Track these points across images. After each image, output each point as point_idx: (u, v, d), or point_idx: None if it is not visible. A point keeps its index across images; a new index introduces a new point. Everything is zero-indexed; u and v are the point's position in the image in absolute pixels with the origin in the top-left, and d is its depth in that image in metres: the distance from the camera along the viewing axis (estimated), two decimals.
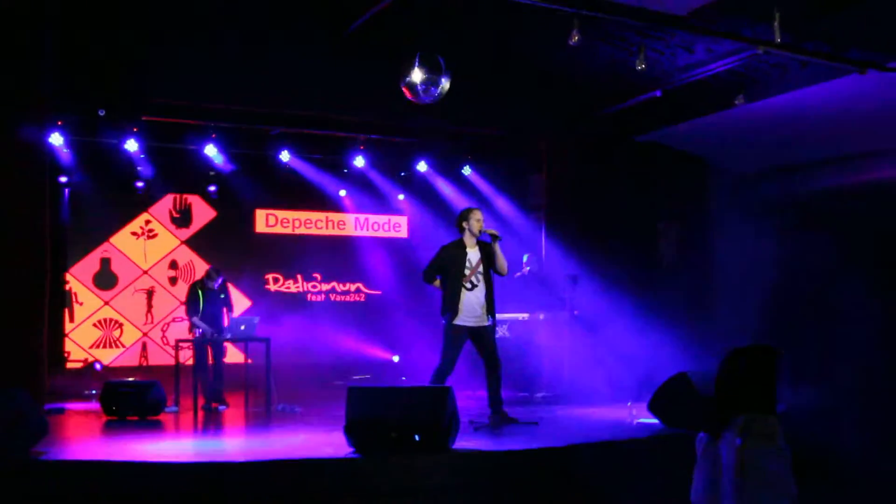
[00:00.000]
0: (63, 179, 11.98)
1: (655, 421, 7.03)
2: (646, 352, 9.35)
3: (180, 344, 10.26)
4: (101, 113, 8.88)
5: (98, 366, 12.22)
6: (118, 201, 12.62)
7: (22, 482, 5.89)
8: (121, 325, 12.73)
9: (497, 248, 7.96)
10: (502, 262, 7.99)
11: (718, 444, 3.65)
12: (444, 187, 13.40)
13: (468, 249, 8.04)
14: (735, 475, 3.45)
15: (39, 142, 9.04)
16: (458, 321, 7.87)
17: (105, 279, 12.70)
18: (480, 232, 8.03)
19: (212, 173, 12.54)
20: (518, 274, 11.05)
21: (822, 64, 8.66)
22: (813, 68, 8.98)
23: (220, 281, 10.33)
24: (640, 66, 8.61)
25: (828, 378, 10.05)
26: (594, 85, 10.74)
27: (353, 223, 14.26)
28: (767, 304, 12.19)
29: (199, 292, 10.21)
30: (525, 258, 11.23)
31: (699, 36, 8.75)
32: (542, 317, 10.84)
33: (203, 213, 13.33)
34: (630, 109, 10.92)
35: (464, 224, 8.12)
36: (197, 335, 10.03)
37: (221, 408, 10.08)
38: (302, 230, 13.93)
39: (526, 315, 10.88)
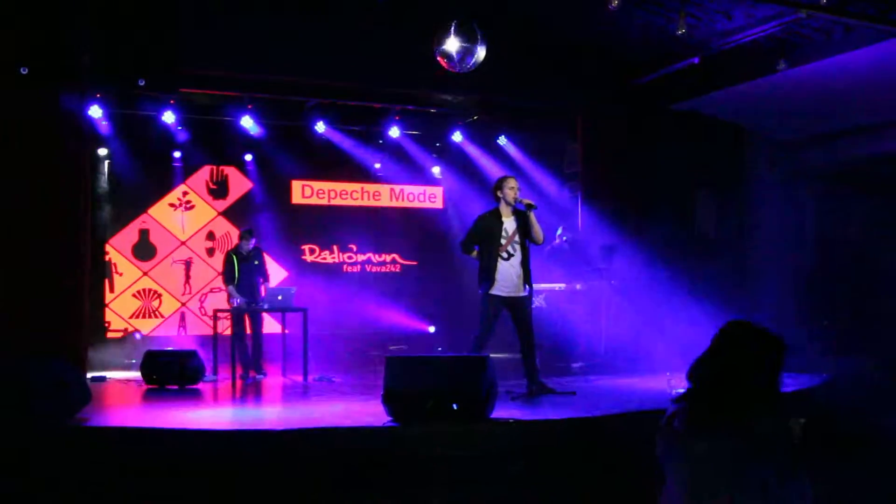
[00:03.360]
0: (102, 151, 12.07)
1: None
2: (683, 322, 9.27)
3: (218, 314, 10.35)
4: (142, 83, 8.92)
5: (138, 335, 12.38)
6: (156, 173, 12.70)
7: (65, 448, 5.98)
8: (160, 296, 12.86)
9: (532, 216, 7.90)
10: (538, 230, 7.93)
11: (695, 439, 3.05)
12: (480, 157, 13.34)
13: (504, 219, 7.99)
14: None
15: (79, 113, 9.13)
16: (494, 291, 7.85)
17: (144, 250, 12.82)
18: (515, 201, 7.98)
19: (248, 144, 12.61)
20: (551, 245, 11.00)
21: (867, 27, 8.47)
22: (857, 32, 8.78)
23: (253, 243, 10.42)
24: (681, 31, 8.45)
25: (869, 348, 9.94)
26: (630, 53, 10.61)
27: (388, 194, 14.26)
28: (806, 272, 12.06)
29: (234, 259, 10.32)
30: (559, 231, 11.17)
31: (739, 1, 8.59)
32: (579, 287, 10.80)
33: (240, 184, 13.39)
34: (667, 77, 10.77)
35: (499, 193, 8.07)
36: (234, 305, 10.12)
37: (259, 377, 10.19)
38: (338, 201, 13.95)
39: (563, 285, 10.84)
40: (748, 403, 2.99)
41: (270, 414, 7.76)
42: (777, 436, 2.97)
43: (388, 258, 14.30)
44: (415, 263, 14.33)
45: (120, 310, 12.58)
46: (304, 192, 13.73)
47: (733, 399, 3.01)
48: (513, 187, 8.04)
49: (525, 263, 7.97)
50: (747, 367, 3.02)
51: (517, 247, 7.94)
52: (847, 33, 8.93)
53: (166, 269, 12.93)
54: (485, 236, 7.99)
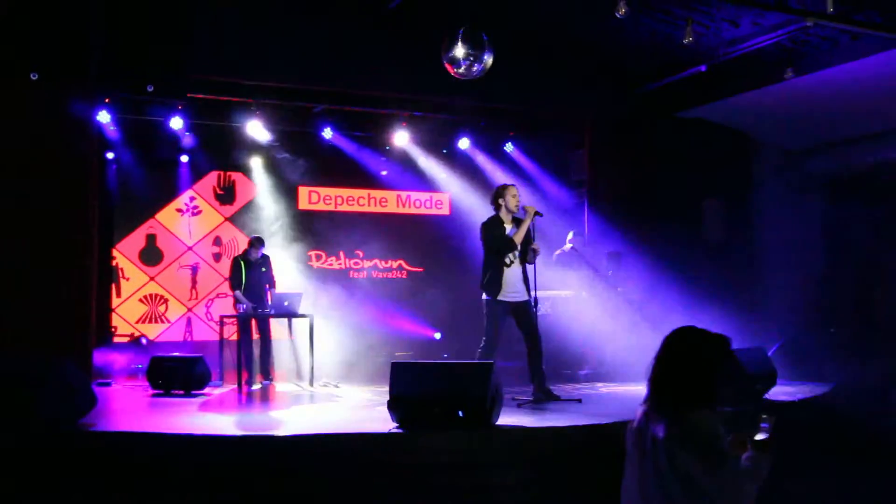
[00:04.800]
0: (110, 156, 12.11)
1: None
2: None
3: (224, 319, 10.35)
4: (150, 88, 8.96)
5: (144, 340, 12.39)
6: (163, 178, 12.73)
7: (71, 452, 5.99)
8: (166, 301, 12.88)
9: (526, 224, 7.93)
10: (519, 236, 7.94)
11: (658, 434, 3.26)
12: (487, 164, 13.34)
13: (506, 226, 8.03)
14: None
15: (88, 118, 9.17)
16: (498, 297, 7.88)
17: (151, 255, 12.84)
18: (517, 208, 8.01)
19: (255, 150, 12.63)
20: (559, 251, 11.00)
21: (874, 35, 8.46)
22: (864, 40, 8.78)
23: (262, 251, 10.44)
24: (688, 39, 8.47)
25: (877, 356, 9.91)
26: (637, 60, 10.61)
27: (395, 200, 14.27)
28: (814, 280, 12.03)
29: (242, 265, 10.35)
30: (570, 236, 11.17)
31: (746, 9, 8.60)
32: (585, 294, 10.78)
33: (246, 189, 13.41)
34: (674, 85, 10.78)
35: (500, 201, 8.11)
36: (241, 310, 10.13)
37: (266, 382, 10.19)
38: (344, 207, 13.97)
39: (569, 292, 10.83)
40: (685, 398, 3.25)
41: (276, 419, 7.75)
42: (705, 428, 3.16)
43: (395, 264, 14.30)
44: (421, 270, 14.33)
45: (126, 315, 12.60)
46: (310, 197, 13.75)
47: (672, 395, 3.29)
48: (515, 195, 8.08)
49: (526, 269, 8.00)
50: (681, 366, 3.35)
51: (517, 255, 7.98)
52: (853, 41, 8.93)
53: (173, 274, 12.95)
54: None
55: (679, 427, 3.16)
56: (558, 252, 11.02)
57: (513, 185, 8.29)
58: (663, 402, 3.29)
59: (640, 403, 3.45)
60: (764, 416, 3.29)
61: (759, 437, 3.25)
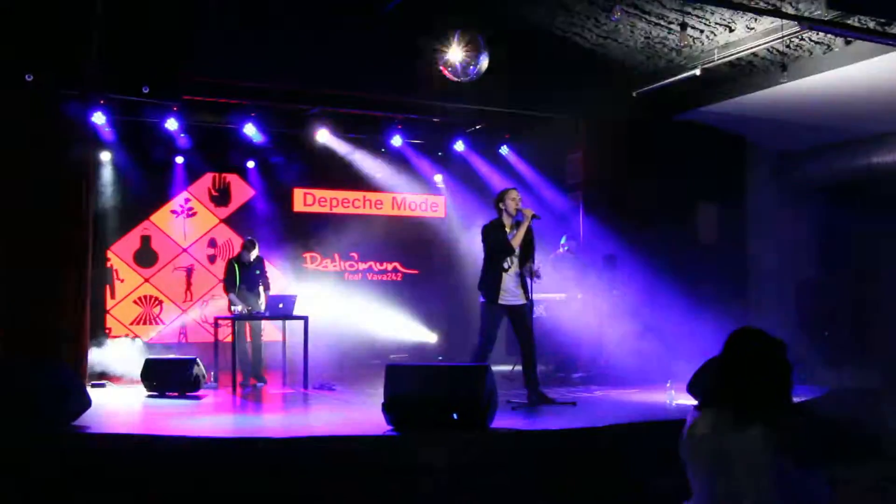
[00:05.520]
0: (105, 157, 12.09)
1: (694, 403, 6.98)
2: (684, 332, 9.29)
3: (219, 321, 10.35)
4: (145, 90, 8.97)
5: (139, 342, 12.36)
6: (158, 180, 12.69)
7: (64, 455, 5.99)
8: (161, 303, 12.87)
9: (523, 227, 7.93)
10: (517, 240, 7.95)
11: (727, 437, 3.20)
12: (482, 167, 13.36)
13: (507, 229, 8.04)
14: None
15: (83, 120, 9.17)
16: (495, 301, 7.89)
17: (145, 257, 12.83)
18: (516, 211, 8.02)
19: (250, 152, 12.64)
20: (554, 254, 11.01)
21: (868, 40, 8.50)
22: (858, 45, 8.82)
23: (255, 253, 10.44)
24: (683, 43, 8.50)
25: (870, 359, 9.94)
26: (632, 64, 10.63)
27: (390, 202, 14.27)
28: (807, 283, 12.07)
29: (236, 267, 10.35)
30: (563, 240, 11.18)
31: (740, 13, 8.62)
32: (579, 297, 10.80)
33: (242, 191, 13.41)
34: (668, 89, 10.79)
35: (501, 205, 8.11)
36: (235, 313, 10.14)
37: (260, 384, 10.19)
38: (339, 209, 13.96)
39: (564, 295, 10.85)
40: (769, 402, 3.18)
41: (271, 422, 7.76)
42: (797, 430, 3.13)
43: (390, 267, 14.30)
44: (416, 272, 14.33)
45: (121, 316, 12.59)
46: (305, 199, 13.75)
47: (755, 399, 3.18)
48: (514, 198, 8.08)
49: (524, 273, 8.01)
50: (765, 369, 3.23)
51: (515, 258, 7.99)
52: (847, 46, 8.97)
53: (167, 275, 12.94)
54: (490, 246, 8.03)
55: (773, 431, 3.11)
56: (553, 255, 11.04)
57: (514, 188, 8.30)
58: (746, 407, 3.19)
59: (697, 409, 3.40)
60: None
61: None
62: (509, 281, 7.94)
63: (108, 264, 12.48)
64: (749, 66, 9.92)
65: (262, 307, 10.36)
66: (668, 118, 11.60)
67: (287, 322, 10.54)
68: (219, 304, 12.28)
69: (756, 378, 3.23)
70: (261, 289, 10.61)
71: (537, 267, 8.08)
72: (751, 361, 3.26)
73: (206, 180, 13.23)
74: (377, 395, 6.79)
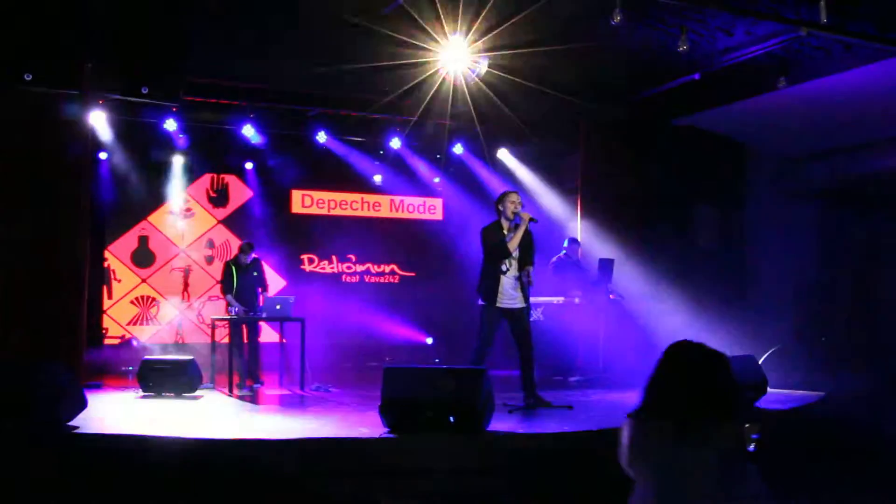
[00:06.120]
0: (103, 157, 12.08)
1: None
2: (682, 337, 9.26)
3: (216, 322, 10.33)
4: (145, 90, 8.97)
5: (135, 342, 12.36)
6: (156, 180, 12.70)
7: (60, 455, 5.97)
8: (158, 303, 12.86)
9: (520, 230, 7.91)
10: (514, 243, 7.94)
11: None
12: (480, 170, 13.36)
13: (505, 232, 8.02)
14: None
15: (81, 120, 9.15)
16: (493, 304, 7.87)
17: (143, 257, 12.82)
18: (514, 215, 8.00)
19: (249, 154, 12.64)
20: (557, 258, 11.00)
21: (867, 45, 8.50)
22: (857, 50, 8.81)
23: (252, 256, 10.43)
24: (683, 48, 8.49)
25: (869, 364, 9.93)
26: (632, 68, 10.62)
27: (388, 205, 14.27)
28: (806, 288, 12.06)
29: (233, 269, 10.33)
30: (566, 242, 11.17)
31: (740, 18, 8.61)
32: (577, 300, 10.80)
33: (240, 192, 13.40)
34: (668, 93, 10.80)
35: (500, 207, 8.10)
36: (232, 314, 10.12)
37: (256, 386, 10.17)
38: (337, 211, 13.97)
39: (561, 298, 10.84)
40: (708, 414, 3.23)
41: (267, 424, 7.73)
42: (734, 442, 3.20)
43: (387, 269, 14.30)
44: (413, 275, 14.33)
45: (118, 316, 12.57)
46: (304, 201, 13.74)
47: (694, 412, 3.24)
48: (514, 202, 8.05)
49: (522, 276, 8.00)
50: (702, 382, 3.30)
51: (514, 261, 7.98)
52: (847, 51, 8.97)
53: (165, 276, 12.93)
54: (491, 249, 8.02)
55: (711, 443, 3.16)
56: (554, 259, 11.03)
57: (515, 191, 8.27)
58: (687, 419, 3.24)
59: (631, 416, 3.44)
60: (748, 426, 3.34)
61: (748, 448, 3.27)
62: (507, 284, 7.92)
63: (106, 264, 12.48)
64: (748, 70, 9.92)
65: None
66: (667, 123, 11.60)
67: (284, 323, 10.53)
68: (216, 304, 12.29)
69: (693, 391, 3.28)
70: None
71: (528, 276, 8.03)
72: (687, 375, 3.34)
73: (205, 181, 13.22)
74: (374, 398, 6.77)
